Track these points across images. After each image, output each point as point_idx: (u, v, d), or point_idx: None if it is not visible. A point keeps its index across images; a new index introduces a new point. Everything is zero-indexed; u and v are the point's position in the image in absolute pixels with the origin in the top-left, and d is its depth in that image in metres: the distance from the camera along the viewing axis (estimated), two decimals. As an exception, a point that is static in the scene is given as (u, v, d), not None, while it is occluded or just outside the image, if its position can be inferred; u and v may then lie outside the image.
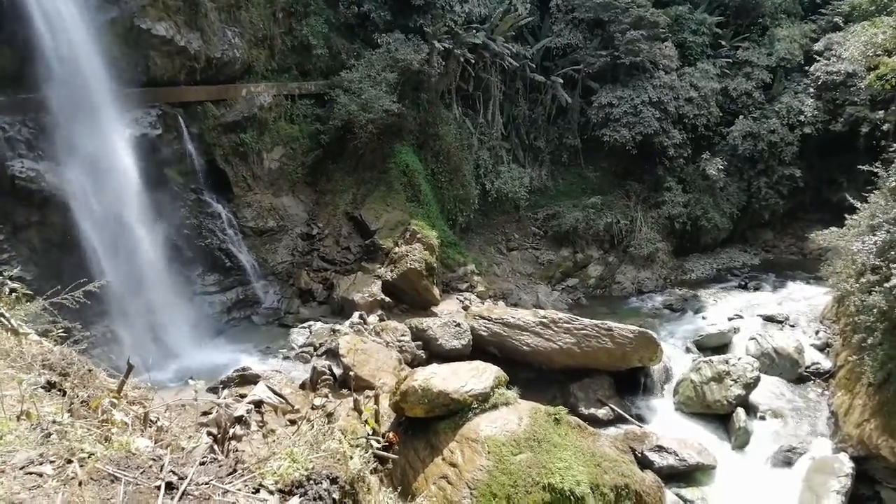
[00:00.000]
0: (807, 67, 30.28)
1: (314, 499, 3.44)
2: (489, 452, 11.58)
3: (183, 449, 3.82)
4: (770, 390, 18.37)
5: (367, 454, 4.31)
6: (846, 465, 14.82)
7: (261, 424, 13.16)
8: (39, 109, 16.28)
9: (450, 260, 24.28)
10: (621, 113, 28.33)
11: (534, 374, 18.01)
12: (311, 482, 3.50)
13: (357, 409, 13.66)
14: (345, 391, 15.31)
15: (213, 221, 21.08)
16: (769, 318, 22.91)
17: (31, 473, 3.06)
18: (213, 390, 15.60)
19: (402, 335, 18.57)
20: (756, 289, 27.21)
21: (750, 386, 17.56)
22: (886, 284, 14.46)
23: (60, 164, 16.71)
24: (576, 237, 28.47)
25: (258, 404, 14.34)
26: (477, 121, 28.13)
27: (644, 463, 14.78)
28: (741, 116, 30.21)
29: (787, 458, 15.88)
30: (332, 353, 16.53)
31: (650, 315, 25.05)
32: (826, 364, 19.30)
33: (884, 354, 14.74)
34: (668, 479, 14.53)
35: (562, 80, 29.02)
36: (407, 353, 17.85)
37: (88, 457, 3.24)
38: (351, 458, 3.91)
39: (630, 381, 18.59)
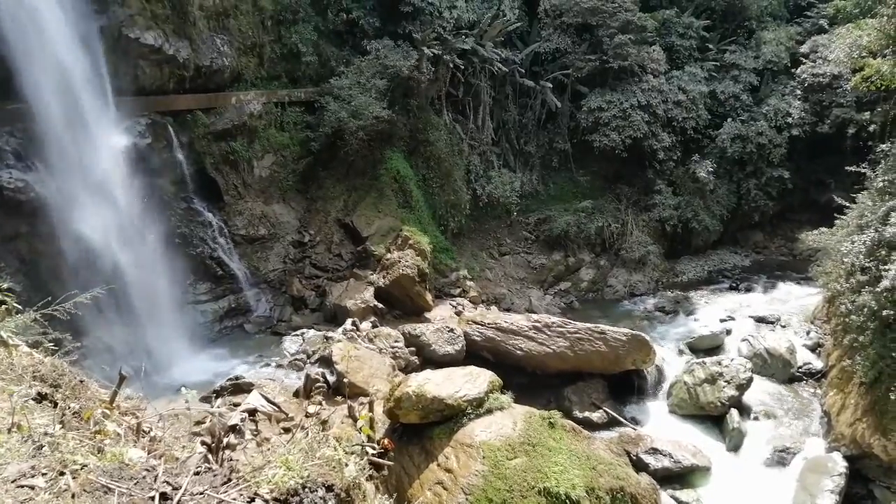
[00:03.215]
0: (793, 70, 30.58)
1: (310, 507, 3.42)
2: (484, 457, 11.56)
3: (177, 459, 3.79)
4: (763, 391, 18.45)
5: (363, 461, 4.29)
6: (839, 464, 14.89)
7: (255, 433, 13.09)
8: (27, 119, 16.17)
9: (442, 265, 24.29)
10: (611, 117, 28.49)
11: (527, 379, 18.02)
12: (307, 490, 3.49)
13: (351, 416, 13.66)
14: (339, 398, 15.27)
15: (203, 230, 21.00)
16: (761, 320, 23.05)
17: (23, 486, 3.03)
18: (206, 399, 15.55)
19: (396, 341, 18.54)
20: (747, 290, 27.38)
21: (743, 387, 17.64)
22: (878, 287, 14.55)
23: (49, 175, 16.60)
24: (567, 241, 28.55)
25: (252, 413, 14.29)
26: (467, 126, 28.18)
27: (639, 465, 14.81)
28: (729, 119, 30.47)
29: (781, 459, 15.94)
30: (326, 361, 16.47)
31: (642, 318, 25.13)
32: (818, 364, 19.41)
33: (874, 354, 14.83)
34: (663, 481, 14.55)
35: (551, 85, 29.15)
36: (400, 360, 17.82)
37: (81, 468, 3.22)
38: (346, 465, 3.89)
39: (624, 384, 18.62)
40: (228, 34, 21.64)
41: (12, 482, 3.05)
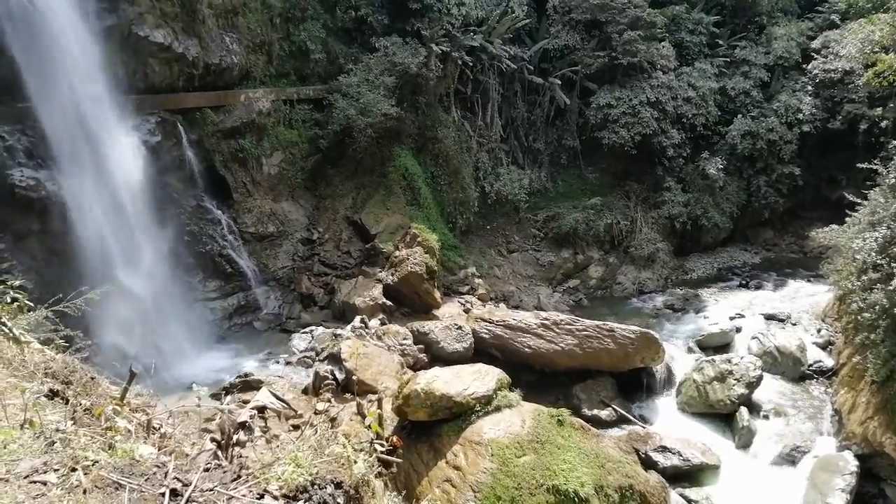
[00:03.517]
0: (804, 65, 30.34)
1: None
2: (493, 455, 11.56)
3: (187, 455, 3.82)
4: (773, 389, 18.35)
5: (371, 458, 4.30)
6: (850, 462, 14.78)
7: (264, 430, 13.17)
8: (38, 118, 16.28)
9: (450, 263, 24.28)
10: (620, 114, 28.37)
11: (536, 377, 17.99)
12: (316, 487, 3.50)
13: (360, 413, 13.69)
14: (347, 396, 15.32)
15: (213, 227, 21.08)
16: (771, 317, 22.90)
17: (35, 482, 3.05)
18: (216, 397, 15.63)
19: (404, 339, 18.56)
20: (757, 287, 27.21)
21: (753, 385, 17.54)
22: (890, 285, 14.43)
23: (60, 173, 16.72)
24: (576, 238, 28.46)
25: (261, 410, 14.36)
26: (476, 123, 28.15)
27: (648, 463, 14.75)
28: (739, 115, 30.26)
29: (791, 457, 15.84)
30: (335, 358, 16.52)
31: (652, 315, 25.04)
32: (828, 362, 19.27)
33: (886, 352, 14.71)
34: (672, 480, 14.50)
35: (560, 82, 29.06)
36: (409, 357, 17.84)
37: (92, 464, 3.24)
38: (355, 462, 3.90)
39: (633, 382, 18.56)
40: (237, 32, 21.70)
41: (25, 478, 3.07)
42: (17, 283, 5.94)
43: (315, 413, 14.77)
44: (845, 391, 16.82)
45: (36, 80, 15.66)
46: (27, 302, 5.83)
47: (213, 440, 4.48)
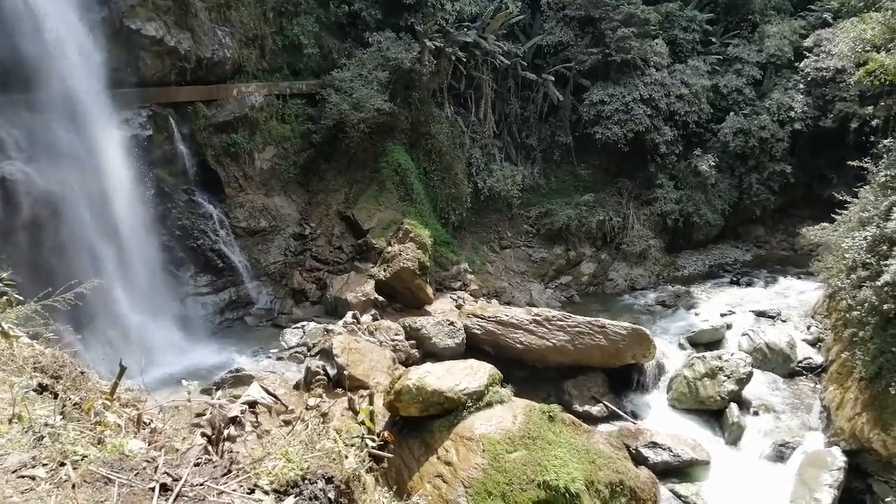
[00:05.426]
0: (796, 64, 30.42)
1: (310, 498, 3.43)
2: (484, 451, 11.59)
3: (177, 450, 3.80)
4: (763, 385, 18.45)
5: (363, 453, 4.30)
6: (838, 458, 14.91)
7: (255, 425, 13.13)
8: (30, 111, 16.16)
9: (443, 259, 24.28)
10: (613, 110, 28.40)
11: (528, 372, 18.02)
12: (307, 482, 3.50)
13: (352, 408, 13.67)
14: (339, 391, 15.30)
15: (204, 222, 21.00)
16: (761, 314, 23.03)
17: (23, 477, 3.04)
18: (207, 391, 15.56)
19: (396, 334, 18.55)
20: (748, 284, 27.35)
21: (743, 381, 17.64)
22: (878, 282, 14.53)
23: (51, 166, 16.61)
24: (568, 235, 28.52)
25: (252, 405, 14.30)
26: (469, 119, 28.12)
27: (638, 459, 14.83)
28: (732, 113, 30.33)
29: (780, 453, 15.96)
30: (326, 353, 16.49)
31: (643, 312, 25.13)
32: (818, 359, 19.40)
33: (875, 349, 14.82)
34: (662, 475, 14.59)
35: (553, 78, 29.06)
36: (401, 353, 17.84)
37: (82, 459, 3.23)
38: (346, 457, 3.90)
39: (624, 378, 18.64)
40: (230, 25, 21.59)
41: (13, 472, 3.06)
42: (6, 275, 5.90)
43: (306, 408, 14.68)
44: (834, 388, 16.94)
45: (27, 73, 15.53)
46: (16, 295, 5.79)
47: (203, 435, 4.48)
